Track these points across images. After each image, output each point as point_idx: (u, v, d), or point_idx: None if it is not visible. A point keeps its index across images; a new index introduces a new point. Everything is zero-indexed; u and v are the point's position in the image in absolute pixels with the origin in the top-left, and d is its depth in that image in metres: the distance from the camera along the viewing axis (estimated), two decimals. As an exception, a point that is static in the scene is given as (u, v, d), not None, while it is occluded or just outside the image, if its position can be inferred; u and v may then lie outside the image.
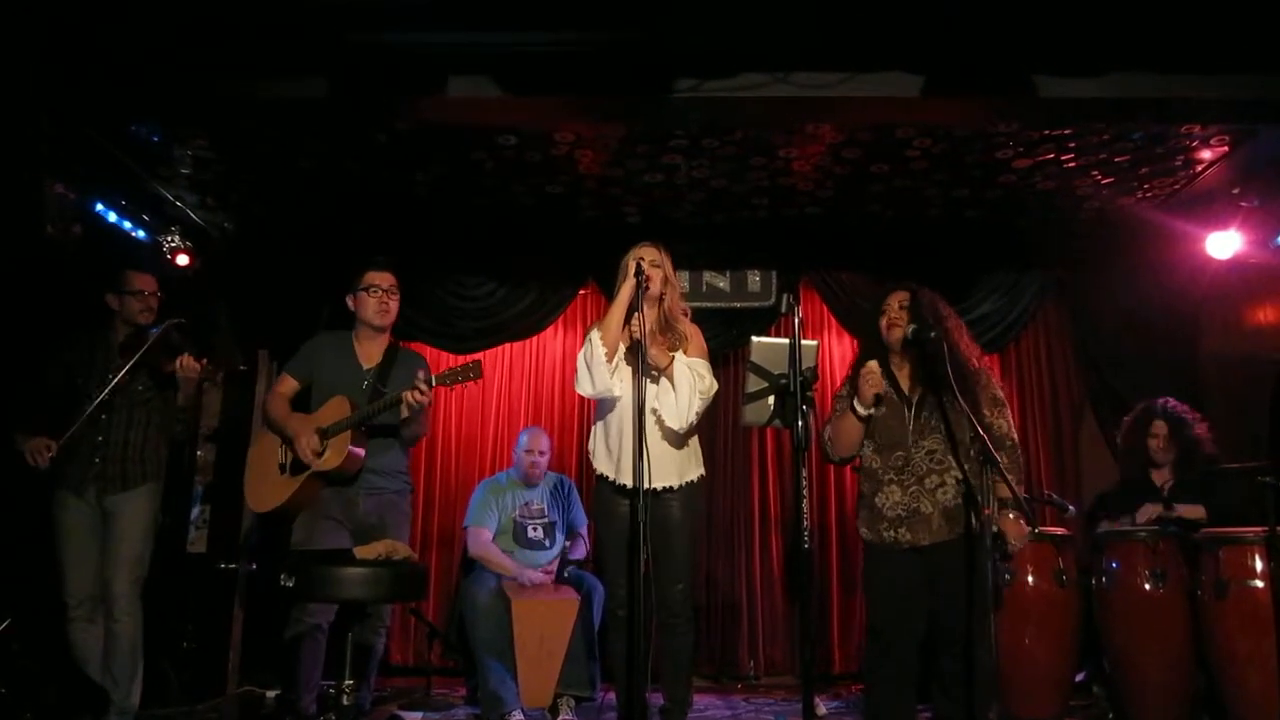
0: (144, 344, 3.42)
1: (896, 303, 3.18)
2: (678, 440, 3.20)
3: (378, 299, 3.50)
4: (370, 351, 3.54)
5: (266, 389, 4.97)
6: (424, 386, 3.18)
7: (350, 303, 3.55)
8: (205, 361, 3.39)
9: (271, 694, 4.36)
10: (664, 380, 3.15)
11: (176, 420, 3.57)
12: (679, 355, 3.17)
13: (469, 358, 3.77)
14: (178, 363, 3.34)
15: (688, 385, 3.12)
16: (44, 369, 3.46)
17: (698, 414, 3.15)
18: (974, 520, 3.00)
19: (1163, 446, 4.07)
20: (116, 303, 3.54)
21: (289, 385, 3.54)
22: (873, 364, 3.05)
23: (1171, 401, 4.16)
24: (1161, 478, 4.09)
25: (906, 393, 3.13)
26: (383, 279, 3.52)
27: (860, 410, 3.06)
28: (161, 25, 3.05)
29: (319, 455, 3.32)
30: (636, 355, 2.95)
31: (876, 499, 3.10)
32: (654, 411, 3.15)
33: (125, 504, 3.40)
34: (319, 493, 3.39)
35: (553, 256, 5.20)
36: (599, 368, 3.11)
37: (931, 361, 3.04)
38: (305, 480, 3.33)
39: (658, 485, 3.13)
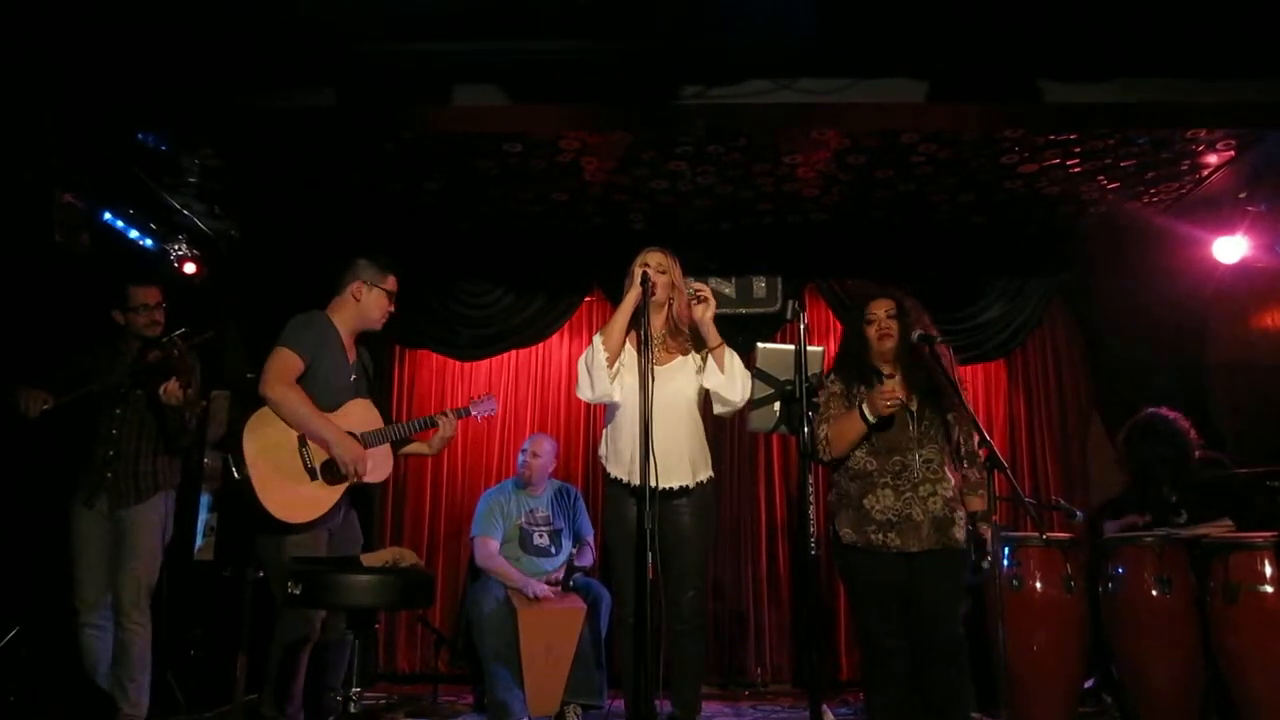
0: (150, 357, 3.42)
1: (883, 311, 3.17)
2: (688, 439, 3.21)
3: (391, 307, 3.42)
4: (351, 345, 3.40)
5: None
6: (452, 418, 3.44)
7: (357, 291, 3.34)
8: (188, 390, 3.31)
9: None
10: (711, 362, 3.20)
11: (170, 439, 3.52)
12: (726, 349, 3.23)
13: (478, 364, 3.77)
14: (161, 389, 3.30)
15: (740, 365, 3.19)
16: (54, 370, 3.45)
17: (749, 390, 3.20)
18: (960, 529, 3.03)
19: (1157, 464, 4.05)
20: (122, 319, 3.55)
21: (299, 367, 3.16)
22: (892, 383, 3.07)
23: (1154, 416, 4.10)
24: (1168, 486, 4.07)
25: (907, 401, 3.13)
26: (396, 287, 3.44)
27: (870, 418, 3.06)
28: (169, 35, 3.07)
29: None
30: (644, 360, 2.95)
31: (865, 501, 3.07)
32: (686, 406, 3.21)
33: (137, 514, 3.41)
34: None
35: (558, 264, 5.21)
36: (599, 372, 3.14)
37: (929, 368, 3.05)
38: (344, 489, 3.23)
39: (672, 485, 3.14)
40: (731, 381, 3.17)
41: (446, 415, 3.57)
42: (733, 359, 3.21)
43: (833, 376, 3.27)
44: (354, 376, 3.36)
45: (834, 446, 3.16)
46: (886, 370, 3.18)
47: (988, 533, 3.03)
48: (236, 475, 3.08)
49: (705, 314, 3.16)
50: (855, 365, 3.21)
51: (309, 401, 3.14)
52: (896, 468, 3.06)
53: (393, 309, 3.47)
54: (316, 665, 3.32)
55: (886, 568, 3.03)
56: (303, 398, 3.14)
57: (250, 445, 3.12)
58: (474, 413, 3.72)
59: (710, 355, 3.21)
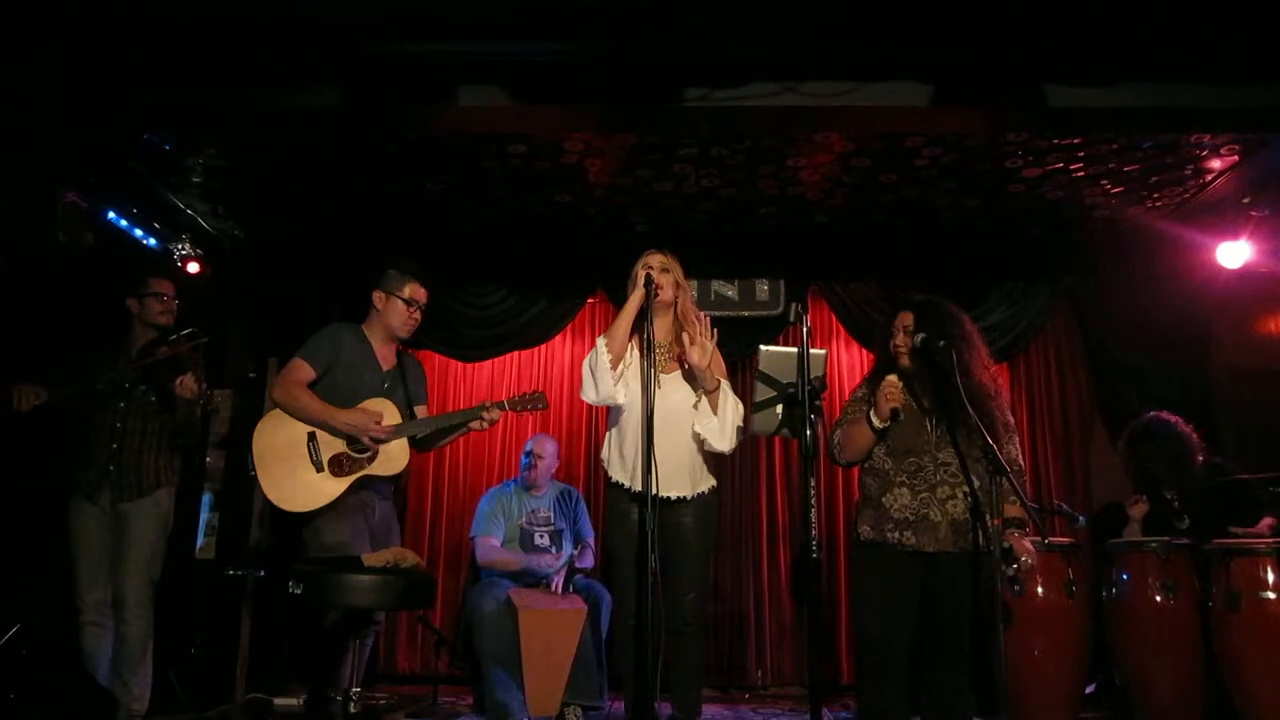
0: (159, 353, 3.43)
1: (902, 326, 3.16)
2: (690, 450, 3.20)
3: (412, 315, 3.47)
4: (386, 354, 3.50)
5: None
6: (494, 415, 3.38)
7: (378, 300, 3.45)
8: (204, 386, 3.38)
9: (281, 701, 4.35)
10: (705, 403, 3.17)
11: (179, 434, 3.54)
12: (724, 384, 3.18)
13: (480, 364, 3.67)
14: (178, 381, 3.34)
15: (732, 410, 3.15)
16: (52, 364, 3.45)
17: (738, 432, 3.18)
18: (981, 535, 2.98)
19: (1157, 467, 4.06)
20: (137, 306, 3.57)
21: (308, 374, 3.34)
22: (892, 378, 3.04)
23: (1155, 419, 4.12)
24: (1170, 491, 4.07)
25: (926, 404, 3.12)
26: (422, 295, 3.49)
27: (876, 423, 3.06)
28: (173, 34, 3.08)
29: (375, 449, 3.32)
30: (647, 363, 2.95)
31: (884, 499, 3.07)
32: (689, 416, 3.18)
33: (139, 510, 3.42)
34: (354, 494, 3.34)
35: (561, 266, 5.21)
36: (603, 374, 3.14)
37: (941, 373, 3.03)
38: (354, 481, 3.29)
39: (671, 494, 3.13)
40: (722, 429, 3.14)
41: (488, 408, 3.44)
42: (726, 403, 3.15)
43: (863, 384, 3.27)
44: (385, 384, 3.42)
45: (845, 451, 3.18)
46: (913, 374, 3.16)
47: (1012, 540, 2.95)
48: (251, 472, 3.30)
49: (703, 360, 3.09)
50: (884, 373, 3.16)
51: (316, 398, 3.30)
52: (912, 468, 3.05)
53: (417, 317, 3.49)
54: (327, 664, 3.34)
55: (898, 565, 3.02)
56: (308, 395, 3.30)
57: (258, 443, 3.31)
58: (507, 406, 3.54)
59: (705, 397, 3.16)
